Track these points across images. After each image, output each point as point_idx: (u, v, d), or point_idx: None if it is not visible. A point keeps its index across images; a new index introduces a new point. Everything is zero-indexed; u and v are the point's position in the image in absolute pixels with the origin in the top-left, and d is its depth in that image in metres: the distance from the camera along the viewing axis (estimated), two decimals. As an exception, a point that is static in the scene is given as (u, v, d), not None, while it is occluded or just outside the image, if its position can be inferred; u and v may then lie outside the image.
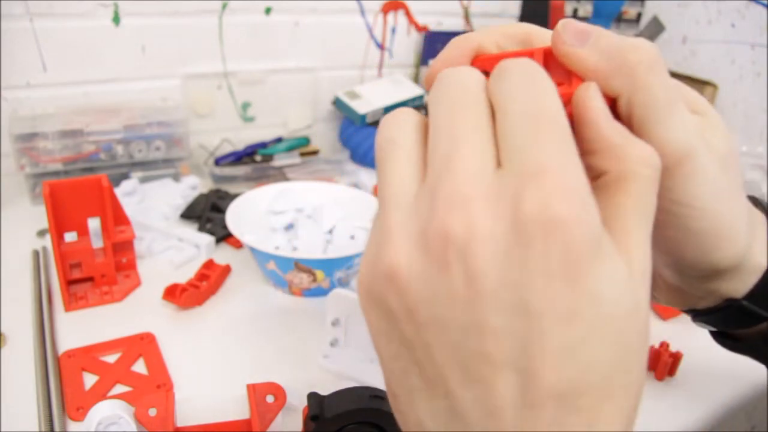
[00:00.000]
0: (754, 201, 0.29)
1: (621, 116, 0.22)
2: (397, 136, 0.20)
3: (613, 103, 0.22)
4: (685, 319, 0.33)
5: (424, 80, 0.23)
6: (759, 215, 0.27)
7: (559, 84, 0.22)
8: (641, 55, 0.21)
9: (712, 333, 0.32)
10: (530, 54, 0.23)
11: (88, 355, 0.49)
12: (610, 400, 0.17)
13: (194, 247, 0.65)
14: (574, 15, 1.09)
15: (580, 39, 0.21)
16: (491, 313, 0.16)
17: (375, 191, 0.79)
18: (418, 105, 0.97)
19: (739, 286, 0.27)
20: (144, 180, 0.78)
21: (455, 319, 0.17)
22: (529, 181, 0.16)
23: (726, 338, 0.32)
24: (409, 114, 0.21)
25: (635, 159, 0.19)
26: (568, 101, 0.21)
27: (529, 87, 0.18)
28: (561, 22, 0.22)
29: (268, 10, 0.90)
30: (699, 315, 0.30)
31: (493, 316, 0.16)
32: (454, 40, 0.24)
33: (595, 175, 0.20)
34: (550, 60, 0.23)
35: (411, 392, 0.19)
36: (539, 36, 0.24)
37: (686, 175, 0.22)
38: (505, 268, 0.16)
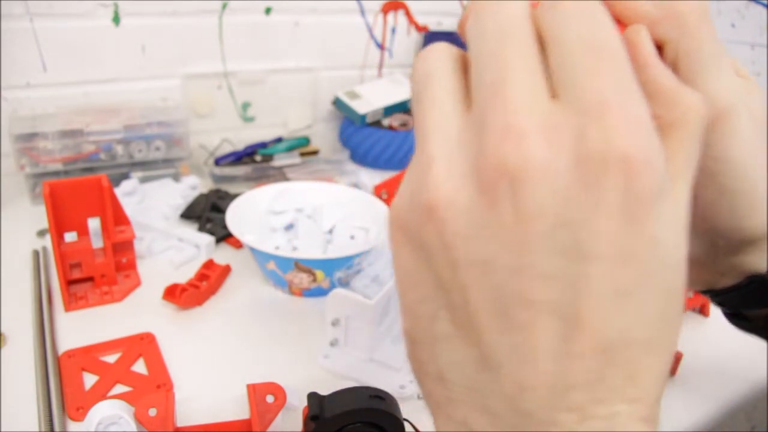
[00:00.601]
0: None
1: (667, 63, 0.22)
2: (435, 68, 0.19)
3: (658, 50, 0.21)
4: (686, 319, 0.33)
5: (459, 23, 0.21)
6: None
7: None
8: (692, 4, 0.21)
9: (726, 313, 0.32)
10: None
11: (88, 355, 0.49)
12: (651, 353, 0.16)
13: (194, 247, 0.65)
14: (574, 15, 1.09)
15: None
16: (542, 254, 0.15)
17: (376, 191, 0.79)
18: (418, 105, 0.97)
19: (763, 262, 0.27)
20: (144, 180, 0.78)
21: (500, 260, 0.16)
22: (592, 114, 0.15)
23: (740, 318, 0.32)
24: (446, 47, 0.20)
25: (686, 105, 0.18)
26: None
27: (587, 17, 0.17)
28: None
29: (268, 10, 0.90)
30: (718, 294, 0.30)
31: (544, 258, 0.15)
32: None
33: None
34: None
35: (436, 340, 0.18)
36: None
37: (727, 131, 0.22)
38: (562, 205, 0.15)
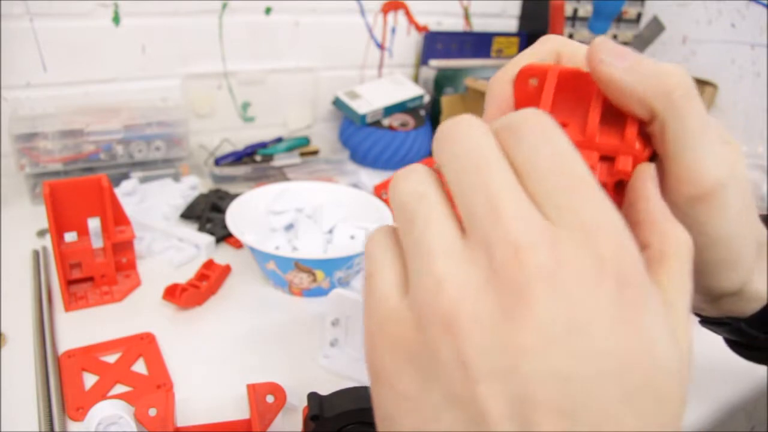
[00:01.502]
0: (764, 219, 0.29)
1: (651, 139, 0.22)
2: (424, 190, 0.19)
3: (647, 124, 0.22)
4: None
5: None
6: (763, 234, 0.27)
7: (569, 111, 0.23)
8: (678, 80, 0.21)
9: (725, 339, 0.33)
10: (544, 71, 0.23)
11: (88, 355, 0.49)
12: None
13: (194, 247, 0.65)
14: (574, 15, 1.09)
15: (619, 59, 0.21)
16: (557, 357, 0.16)
17: (376, 191, 0.79)
18: (418, 105, 0.97)
19: (741, 308, 0.27)
20: (144, 180, 0.78)
21: (521, 366, 0.16)
22: (591, 234, 0.17)
23: (737, 346, 0.32)
24: (426, 169, 0.20)
25: (677, 239, 0.20)
26: (581, 146, 0.21)
27: (551, 143, 0.18)
28: (597, 40, 0.22)
29: (268, 10, 0.90)
30: (706, 321, 0.30)
31: (558, 361, 0.16)
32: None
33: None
34: (564, 82, 0.23)
35: None
36: (568, 53, 0.24)
37: (715, 208, 0.22)
38: (567, 308, 0.16)
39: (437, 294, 0.17)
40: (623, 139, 0.22)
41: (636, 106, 0.21)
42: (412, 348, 0.18)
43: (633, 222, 0.20)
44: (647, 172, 0.21)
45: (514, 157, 0.19)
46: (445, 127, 0.20)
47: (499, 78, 0.25)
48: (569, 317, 0.16)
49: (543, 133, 0.18)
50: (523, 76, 0.24)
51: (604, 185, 0.22)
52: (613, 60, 0.21)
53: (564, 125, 0.22)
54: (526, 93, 0.24)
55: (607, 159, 0.22)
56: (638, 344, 0.16)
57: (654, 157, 0.23)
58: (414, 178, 0.20)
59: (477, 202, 0.18)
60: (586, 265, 0.16)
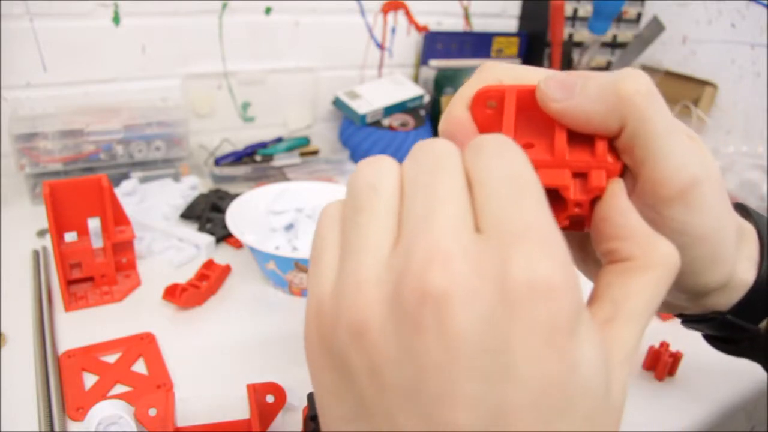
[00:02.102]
0: (743, 210, 0.29)
1: (621, 148, 0.22)
2: (380, 184, 0.19)
3: (616, 137, 0.22)
4: (685, 319, 0.33)
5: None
6: (747, 228, 0.27)
7: (533, 131, 0.22)
8: (635, 84, 0.21)
9: (705, 336, 0.33)
10: (501, 93, 0.23)
11: (88, 355, 0.49)
12: None
13: (194, 247, 0.65)
14: (574, 15, 1.09)
15: (568, 92, 0.21)
16: (466, 379, 0.15)
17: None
18: (418, 105, 0.97)
19: (724, 300, 0.27)
20: (144, 180, 0.78)
21: (426, 386, 0.16)
22: (514, 243, 0.16)
23: (718, 341, 0.32)
24: (393, 164, 0.20)
25: (661, 253, 0.19)
26: (541, 166, 0.21)
27: (505, 156, 0.18)
28: (541, 81, 0.22)
29: (268, 10, 0.90)
30: (688, 320, 0.30)
31: (468, 383, 0.15)
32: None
33: (615, 259, 0.20)
34: (523, 102, 0.22)
35: None
36: (511, 80, 0.24)
37: (692, 206, 0.22)
38: (485, 331, 0.15)
39: (354, 297, 0.17)
40: (594, 154, 0.21)
41: (601, 128, 0.21)
42: (332, 346, 0.18)
43: (612, 236, 0.20)
44: (618, 186, 0.21)
45: (469, 170, 0.19)
46: (421, 141, 0.20)
47: (454, 108, 0.24)
48: (481, 339, 0.15)
49: (498, 147, 0.18)
50: (480, 100, 0.23)
51: (580, 204, 0.22)
52: (562, 96, 0.21)
53: (529, 146, 0.22)
54: (486, 117, 0.24)
55: (580, 175, 0.22)
56: (562, 371, 0.16)
57: (624, 170, 0.23)
58: (374, 168, 0.20)
59: (416, 202, 0.18)
60: (501, 279, 0.16)
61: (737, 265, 0.26)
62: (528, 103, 0.22)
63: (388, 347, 0.16)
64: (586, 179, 0.22)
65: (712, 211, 0.23)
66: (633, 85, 0.21)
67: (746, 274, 0.27)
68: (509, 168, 0.18)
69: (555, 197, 0.21)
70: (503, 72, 0.24)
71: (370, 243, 0.18)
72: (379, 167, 0.20)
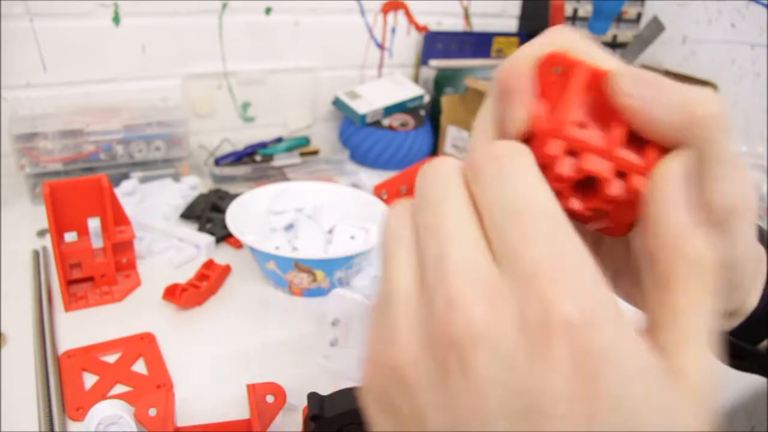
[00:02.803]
0: (759, 234, 0.28)
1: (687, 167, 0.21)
2: (399, 231, 0.19)
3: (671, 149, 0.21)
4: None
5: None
6: (761, 254, 0.27)
7: (589, 111, 0.21)
8: (711, 108, 0.20)
9: None
10: (573, 65, 0.21)
11: (88, 355, 0.49)
12: None
13: (194, 247, 0.65)
14: (574, 15, 1.09)
15: (643, 91, 0.20)
16: (501, 422, 0.16)
17: (376, 191, 0.79)
18: (418, 105, 0.97)
19: (728, 323, 0.27)
20: (144, 180, 0.78)
21: (465, 429, 0.16)
22: (527, 281, 0.16)
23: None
24: (407, 207, 0.20)
25: (696, 253, 0.17)
26: (587, 150, 0.20)
27: (507, 180, 0.17)
28: (617, 70, 0.20)
29: (268, 10, 0.90)
30: None
31: (503, 426, 0.16)
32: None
33: (654, 272, 0.19)
34: (590, 82, 0.21)
35: None
36: (578, 52, 0.23)
37: (724, 233, 0.22)
38: (511, 373, 0.15)
39: (391, 344, 0.17)
40: (644, 158, 0.21)
41: (662, 137, 0.20)
42: (379, 394, 0.18)
43: (651, 234, 0.19)
44: (670, 174, 0.19)
45: (475, 196, 0.18)
46: (424, 166, 0.20)
47: (518, 60, 0.22)
48: (508, 380, 0.15)
49: (498, 170, 0.18)
50: (549, 63, 0.22)
51: (613, 201, 0.21)
52: (636, 93, 0.20)
53: (581, 126, 0.21)
54: (548, 81, 0.22)
55: (620, 174, 0.21)
56: (599, 404, 0.15)
57: None
58: (396, 215, 0.20)
59: (428, 245, 0.18)
60: (519, 319, 0.15)
61: (752, 291, 0.26)
62: (593, 85, 0.21)
63: (427, 393, 0.17)
64: (625, 179, 0.21)
65: (742, 242, 0.22)
66: (709, 108, 0.20)
67: (754, 299, 0.27)
68: (513, 195, 0.17)
69: (585, 185, 0.21)
70: (573, 42, 0.23)
71: (396, 289, 0.18)
72: (398, 212, 0.20)
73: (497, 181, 0.18)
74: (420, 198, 0.19)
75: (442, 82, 1.00)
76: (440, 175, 0.19)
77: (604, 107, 0.21)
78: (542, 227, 0.16)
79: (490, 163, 0.18)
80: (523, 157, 0.18)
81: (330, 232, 0.65)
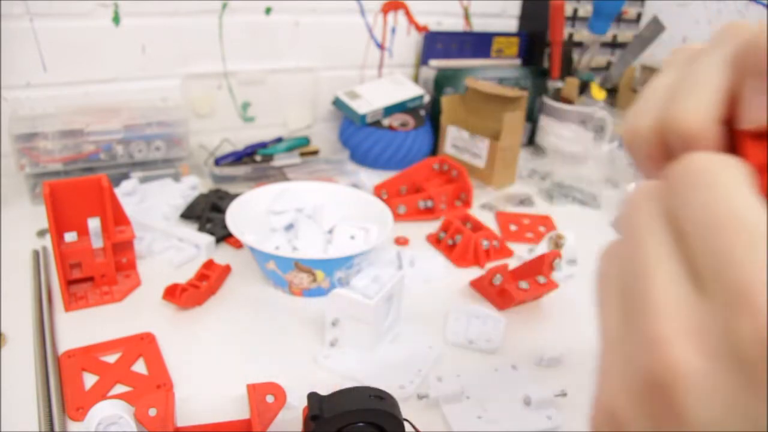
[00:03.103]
0: None
1: None
2: (608, 271, 0.19)
3: None
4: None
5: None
6: None
7: None
8: None
9: None
10: None
11: (88, 355, 0.49)
12: None
13: (194, 247, 0.65)
14: (574, 15, 1.09)
15: None
16: None
17: (376, 191, 0.79)
18: (418, 105, 0.97)
19: None
20: (144, 180, 0.78)
21: None
22: (735, 306, 0.14)
23: None
24: (614, 244, 0.20)
25: None
26: None
27: (711, 191, 0.16)
28: None
29: (268, 10, 0.90)
30: None
31: None
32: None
33: None
34: None
35: None
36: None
37: None
38: (725, 413, 0.15)
39: (602, 389, 0.18)
40: None
41: None
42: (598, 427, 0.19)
43: None
44: None
45: (674, 218, 0.17)
46: (624, 202, 0.19)
47: (692, 116, 0.19)
48: (719, 420, 0.15)
49: (702, 180, 0.16)
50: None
51: None
52: None
53: None
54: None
55: None
56: None
57: None
58: (607, 252, 0.19)
59: (631, 280, 0.17)
60: (731, 354, 0.14)
61: None
62: None
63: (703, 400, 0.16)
64: None
65: None
66: None
67: None
68: (716, 209, 0.15)
69: None
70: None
71: (612, 337, 0.18)
72: (607, 250, 0.20)
73: (698, 190, 0.16)
74: (620, 221, 0.19)
75: (442, 82, 1.00)
76: (632, 203, 0.18)
77: None
78: (749, 241, 0.15)
79: (694, 174, 0.17)
80: (734, 168, 0.16)
81: (330, 232, 0.65)
